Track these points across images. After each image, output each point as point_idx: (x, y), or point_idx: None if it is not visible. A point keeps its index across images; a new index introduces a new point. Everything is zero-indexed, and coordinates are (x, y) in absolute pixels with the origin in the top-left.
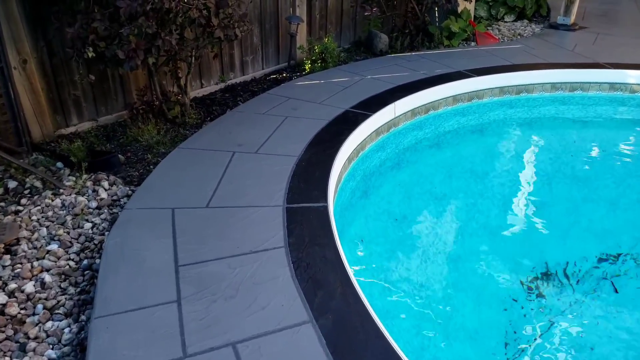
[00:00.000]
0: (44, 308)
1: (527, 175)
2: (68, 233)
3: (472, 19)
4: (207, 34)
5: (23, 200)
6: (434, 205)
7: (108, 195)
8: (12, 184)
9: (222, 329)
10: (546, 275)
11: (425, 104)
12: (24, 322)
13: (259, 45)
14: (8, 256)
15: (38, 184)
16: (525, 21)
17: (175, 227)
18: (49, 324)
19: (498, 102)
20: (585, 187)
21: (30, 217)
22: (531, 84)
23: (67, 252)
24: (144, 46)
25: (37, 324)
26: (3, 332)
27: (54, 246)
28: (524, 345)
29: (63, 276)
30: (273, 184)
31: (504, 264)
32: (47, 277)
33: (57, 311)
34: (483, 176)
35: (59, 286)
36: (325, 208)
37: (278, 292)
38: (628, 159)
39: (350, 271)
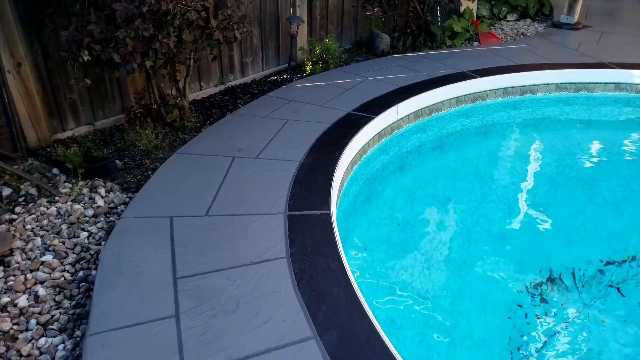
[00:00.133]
0: (38, 323)
1: (532, 178)
2: (63, 243)
3: (475, 19)
4: (206, 36)
5: (17, 209)
6: (438, 210)
7: (105, 202)
8: (6, 191)
9: (223, 345)
10: (551, 280)
11: (428, 106)
12: (17, 338)
13: (259, 46)
14: (1, 268)
15: (33, 191)
16: (528, 20)
17: (174, 237)
18: (43, 340)
19: (502, 103)
20: (590, 189)
21: (24, 226)
22: (535, 85)
23: (62, 263)
24: (140, 49)
25: (30, 340)
26: None
27: (48, 257)
28: (531, 350)
29: (58, 289)
30: (274, 190)
31: (509, 269)
32: (41, 290)
33: (51, 327)
34: (487, 179)
35: (54, 299)
36: (328, 215)
37: (280, 306)
38: (634, 161)
39: (354, 283)
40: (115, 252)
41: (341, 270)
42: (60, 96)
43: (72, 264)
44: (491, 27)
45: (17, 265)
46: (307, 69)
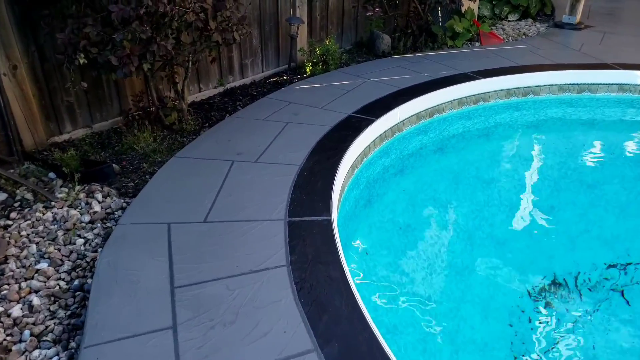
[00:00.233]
0: (32, 334)
1: (534, 181)
2: (59, 250)
3: (476, 19)
4: (205, 38)
5: (12, 214)
6: (440, 213)
7: (102, 208)
8: (1, 197)
9: (221, 358)
10: (555, 285)
11: (430, 108)
12: (10, 350)
13: (258, 47)
14: None
15: (29, 196)
16: (530, 20)
17: (172, 244)
18: (37, 352)
19: (504, 105)
20: (593, 192)
21: (19, 233)
22: (538, 86)
23: (57, 271)
24: (138, 52)
25: (23, 352)
26: None
27: (43, 265)
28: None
29: (52, 298)
30: (274, 195)
31: (512, 273)
32: (36, 300)
33: (45, 338)
34: (489, 182)
35: (48, 309)
36: (329, 222)
37: (280, 317)
38: (638, 163)
39: (356, 292)
40: (112, 260)
41: (342, 278)
42: (57, 99)
43: (68, 272)
44: (492, 28)
45: (11, 273)
46: (307, 70)
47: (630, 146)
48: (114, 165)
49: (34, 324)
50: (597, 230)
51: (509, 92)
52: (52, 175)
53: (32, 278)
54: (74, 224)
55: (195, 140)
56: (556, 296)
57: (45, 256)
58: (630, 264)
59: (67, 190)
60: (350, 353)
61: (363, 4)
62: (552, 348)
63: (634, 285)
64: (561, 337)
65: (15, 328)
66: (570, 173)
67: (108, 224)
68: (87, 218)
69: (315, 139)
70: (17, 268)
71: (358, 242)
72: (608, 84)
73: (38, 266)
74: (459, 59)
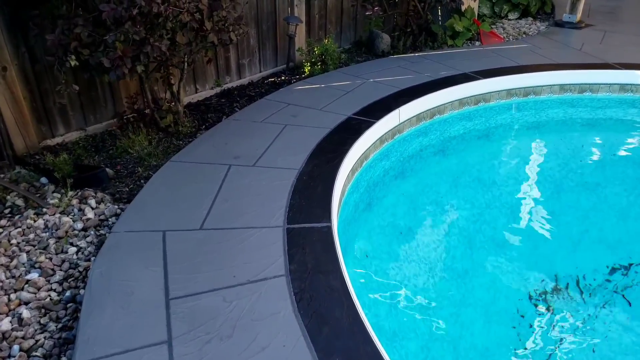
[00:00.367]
0: (21, 349)
1: (536, 183)
2: (50, 259)
3: (476, 17)
4: (201, 38)
5: (2, 221)
6: (441, 216)
7: (95, 214)
8: None
9: None
10: (556, 289)
11: (430, 109)
12: None
13: (256, 47)
14: None
15: (20, 202)
16: (530, 19)
17: (167, 253)
18: None
19: (505, 105)
20: (595, 194)
21: (9, 241)
22: (539, 86)
23: (48, 281)
24: (131, 53)
25: None
26: None
27: (34, 275)
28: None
29: (43, 310)
30: (272, 201)
31: (513, 277)
32: (25, 312)
33: (35, 353)
34: (490, 184)
35: (39, 322)
36: (329, 229)
37: (279, 330)
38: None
39: (357, 302)
40: (105, 270)
41: (343, 288)
42: (49, 101)
43: (59, 283)
44: (493, 26)
45: (0, 284)
46: (306, 70)
47: (631, 147)
48: (107, 169)
49: (23, 338)
50: (598, 233)
51: (510, 93)
52: (44, 180)
53: (22, 289)
54: (66, 232)
55: (191, 144)
56: (558, 299)
57: (36, 266)
58: (632, 264)
59: (59, 196)
60: None
61: (362, 2)
62: (554, 348)
63: (634, 287)
64: (562, 339)
65: (4, 342)
66: (571, 174)
67: (101, 232)
68: (79, 225)
69: (315, 142)
70: (7, 279)
71: (358, 246)
72: (609, 84)
73: (28, 276)
74: (459, 58)
